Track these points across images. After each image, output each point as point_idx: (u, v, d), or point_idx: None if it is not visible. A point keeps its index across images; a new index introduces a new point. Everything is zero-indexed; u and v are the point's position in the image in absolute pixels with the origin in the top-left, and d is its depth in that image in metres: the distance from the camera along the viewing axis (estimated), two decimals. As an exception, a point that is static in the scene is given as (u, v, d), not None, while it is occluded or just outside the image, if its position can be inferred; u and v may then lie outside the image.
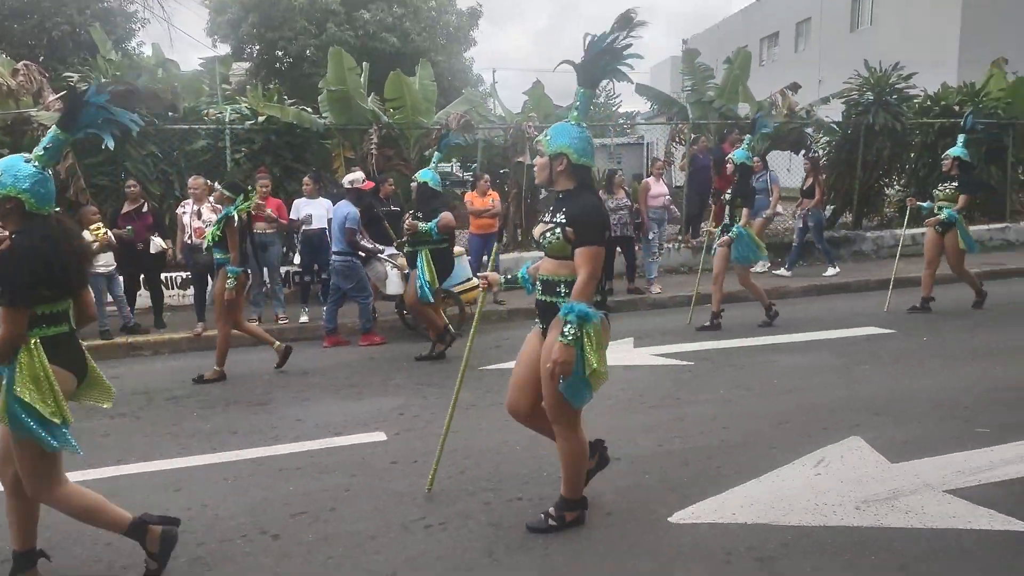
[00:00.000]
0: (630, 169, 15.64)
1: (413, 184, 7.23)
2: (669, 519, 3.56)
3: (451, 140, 7.56)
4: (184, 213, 8.14)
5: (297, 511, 3.82)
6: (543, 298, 3.39)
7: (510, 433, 4.79)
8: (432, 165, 7.07)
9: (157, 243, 8.30)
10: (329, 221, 8.68)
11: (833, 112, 13.26)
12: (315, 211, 8.53)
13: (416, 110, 11.31)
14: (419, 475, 4.21)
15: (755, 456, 4.25)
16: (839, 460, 4.13)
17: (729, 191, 7.71)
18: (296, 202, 8.74)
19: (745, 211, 7.56)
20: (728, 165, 7.91)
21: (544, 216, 3.44)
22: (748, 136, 7.97)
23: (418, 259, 6.85)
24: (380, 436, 4.87)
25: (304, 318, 8.39)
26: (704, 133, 12.49)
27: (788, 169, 14.15)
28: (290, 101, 11.06)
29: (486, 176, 9.67)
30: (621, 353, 6.82)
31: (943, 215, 7.86)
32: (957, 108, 13.03)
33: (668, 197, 9.74)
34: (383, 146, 10.98)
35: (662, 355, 6.65)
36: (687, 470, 4.10)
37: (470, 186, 9.63)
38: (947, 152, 8.36)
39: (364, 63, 11.91)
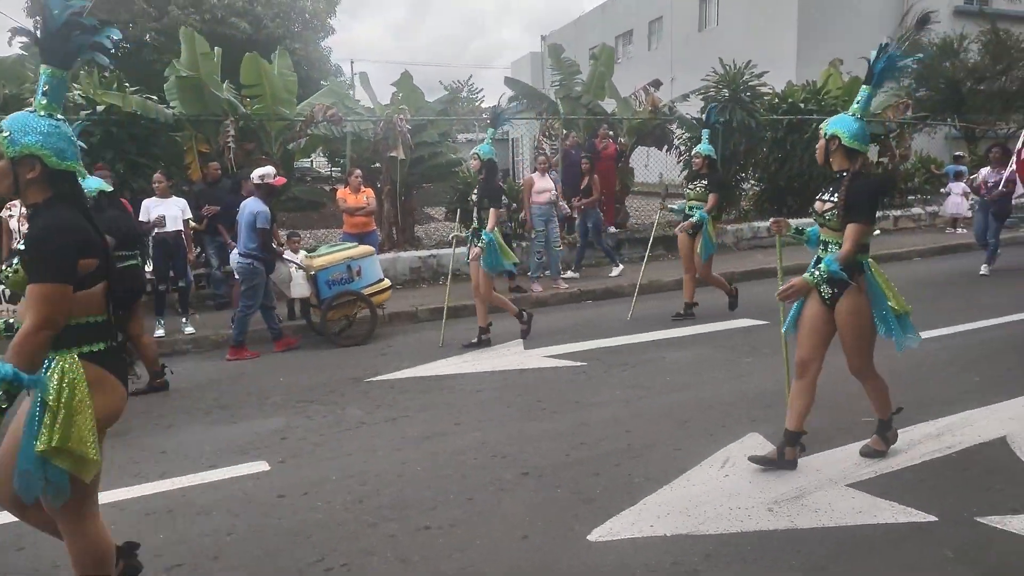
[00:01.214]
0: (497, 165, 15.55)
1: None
2: (588, 537, 3.40)
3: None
4: (11, 216, 7.10)
5: (172, 563, 3.33)
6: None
7: (409, 452, 4.50)
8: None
9: (-26, 252, 7.22)
10: (185, 222, 7.93)
11: (690, 109, 13.78)
12: (168, 211, 7.70)
13: (277, 100, 10.59)
14: (311, 509, 3.82)
15: (662, 460, 4.20)
16: (743, 459, 4.15)
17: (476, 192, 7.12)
18: (145, 203, 7.86)
19: (493, 212, 6.83)
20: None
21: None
22: (491, 130, 7.22)
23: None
24: (262, 466, 4.39)
25: (160, 331, 7.57)
26: (573, 128, 12.57)
27: (646, 165, 14.60)
28: (132, 89, 10.01)
29: (357, 171, 9.17)
30: (513, 356, 6.65)
31: (695, 217, 7.55)
32: (802, 105, 13.95)
33: (554, 193, 9.65)
34: (242, 140, 10.18)
35: (553, 356, 6.54)
36: (598, 480, 3.97)
37: (343, 183, 9.09)
38: (696, 149, 8.01)
39: (216, 48, 10.98)
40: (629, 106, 13.38)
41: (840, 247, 3.77)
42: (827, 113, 13.78)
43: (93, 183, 5.88)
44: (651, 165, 15.22)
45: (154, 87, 11.25)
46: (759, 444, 4.35)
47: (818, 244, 4.04)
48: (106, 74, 10.32)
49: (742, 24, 25.96)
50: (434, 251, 10.74)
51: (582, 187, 10.27)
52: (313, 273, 7.35)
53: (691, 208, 7.71)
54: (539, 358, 6.52)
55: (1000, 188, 9.22)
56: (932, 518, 3.45)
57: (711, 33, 28.47)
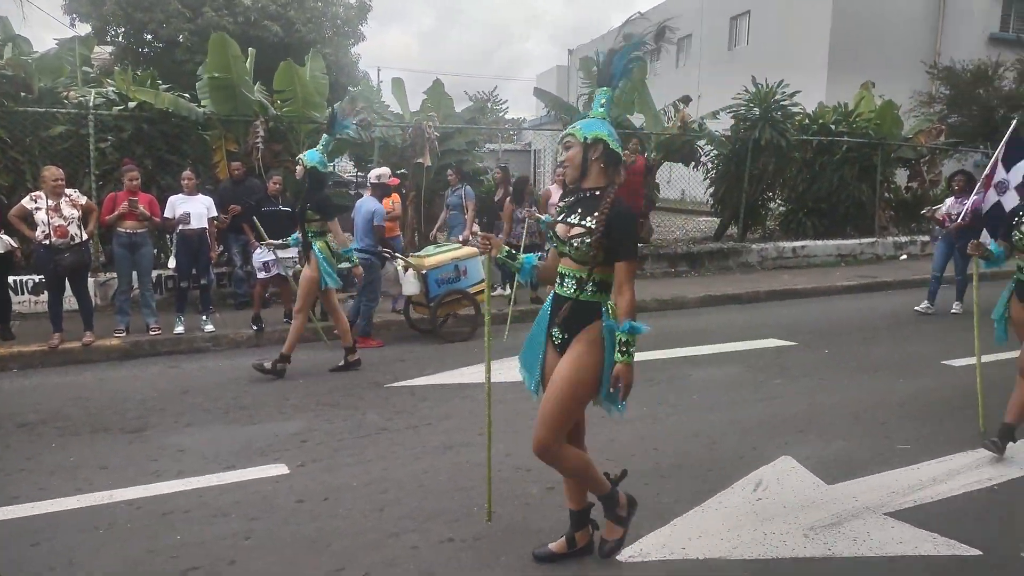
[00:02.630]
0: (517, 176, 15.49)
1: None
2: (617, 557, 3.28)
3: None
4: (38, 209, 7.06)
5: (188, 566, 3.24)
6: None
7: (430, 461, 4.39)
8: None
9: (5, 241, 7.22)
10: (210, 220, 7.91)
11: (719, 126, 13.65)
12: (193, 209, 7.69)
13: (307, 103, 10.58)
14: (331, 515, 3.72)
15: (692, 481, 4.06)
16: (776, 483, 4.02)
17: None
18: (171, 199, 7.84)
19: (332, 224, 6.32)
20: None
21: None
22: (325, 136, 6.56)
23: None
24: (281, 469, 4.31)
25: (180, 328, 7.54)
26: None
27: (668, 181, 14.45)
28: (165, 87, 10.06)
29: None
30: (534, 367, 6.53)
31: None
32: (833, 127, 13.80)
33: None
34: (270, 140, 10.19)
35: (577, 369, 6.41)
36: (626, 499, 3.84)
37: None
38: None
39: (251, 49, 11.02)
40: (659, 121, 13.28)
41: (581, 281, 2.97)
42: (858, 136, 13.68)
43: None
44: (673, 181, 15.10)
45: (185, 86, 11.29)
46: (792, 468, 4.21)
47: None
48: (138, 72, 10.40)
49: (773, 45, 25.81)
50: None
51: (496, 200, 10.00)
52: (424, 272, 7.56)
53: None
54: (563, 371, 6.39)
55: (961, 219, 7.74)
56: (976, 552, 3.30)
57: (740, 52, 28.35)
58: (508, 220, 9.13)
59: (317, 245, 6.32)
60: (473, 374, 6.33)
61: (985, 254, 4.59)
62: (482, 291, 7.88)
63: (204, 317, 7.72)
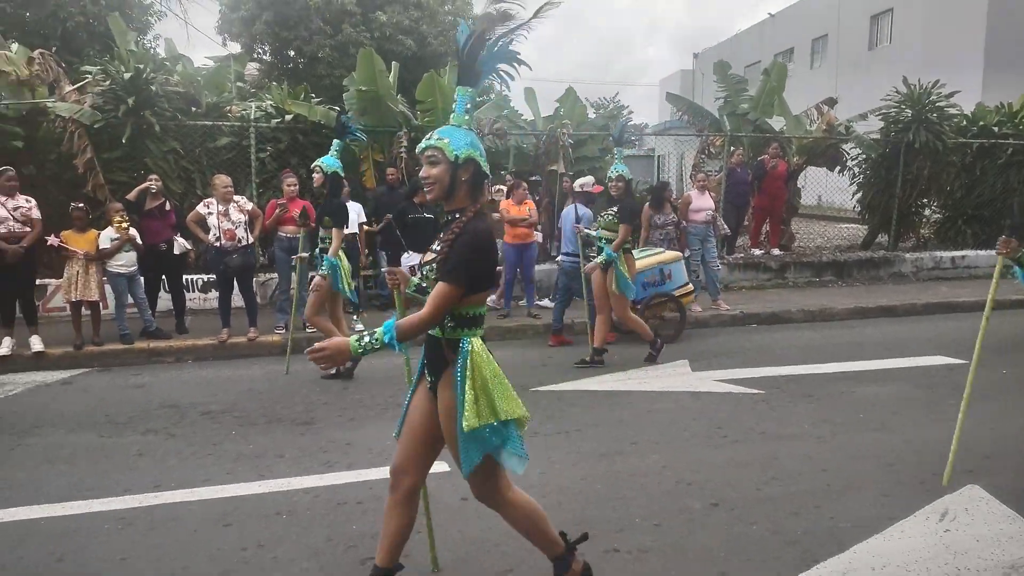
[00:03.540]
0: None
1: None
2: (794, 582, 3.14)
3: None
4: (210, 214, 7.63)
5: (366, 555, 3.38)
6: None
7: (587, 468, 4.38)
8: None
9: (181, 244, 7.89)
10: (360, 225, 8.30)
11: (864, 129, 12.90)
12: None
13: (446, 114, 10.83)
14: (494, 516, 3.75)
15: (869, 506, 3.83)
16: (965, 514, 3.72)
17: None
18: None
19: (336, 233, 6.18)
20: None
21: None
22: (336, 141, 6.48)
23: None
24: (442, 467, 4.38)
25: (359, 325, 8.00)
26: (739, 145, 12.11)
27: (802, 187, 13.75)
28: (316, 100, 10.66)
29: (524, 184, 9.25)
30: (680, 377, 6.42)
31: (602, 257, 6.60)
32: (996, 129, 12.72)
33: (711, 212, 9.30)
34: (412, 150, 10.57)
35: (725, 381, 6.23)
36: (798, 521, 3.67)
37: (505, 194, 9.21)
38: (613, 170, 6.66)
39: (394, 63, 11.50)
40: (800, 124, 12.74)
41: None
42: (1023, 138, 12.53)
43: None
44: (808, 186, 14.42)
45: (327, 99, 11.90)
46: (982, 498, 3.89)
47: None
48: (286, 87, 11.07)
49: (919, 43, 24.20)
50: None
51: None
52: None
53: (603, 241, 6.70)
54: (710, 382, 6.22)
55: None
56: None
57: (882, 52, 26.78)
58: (646, 227, 9.02)
59: (333, 257, 6.23)
60: (616, 381, 6.30)
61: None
62: (688, 293, 8.24)
63: (355, 317, 8.10)
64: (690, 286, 8.41)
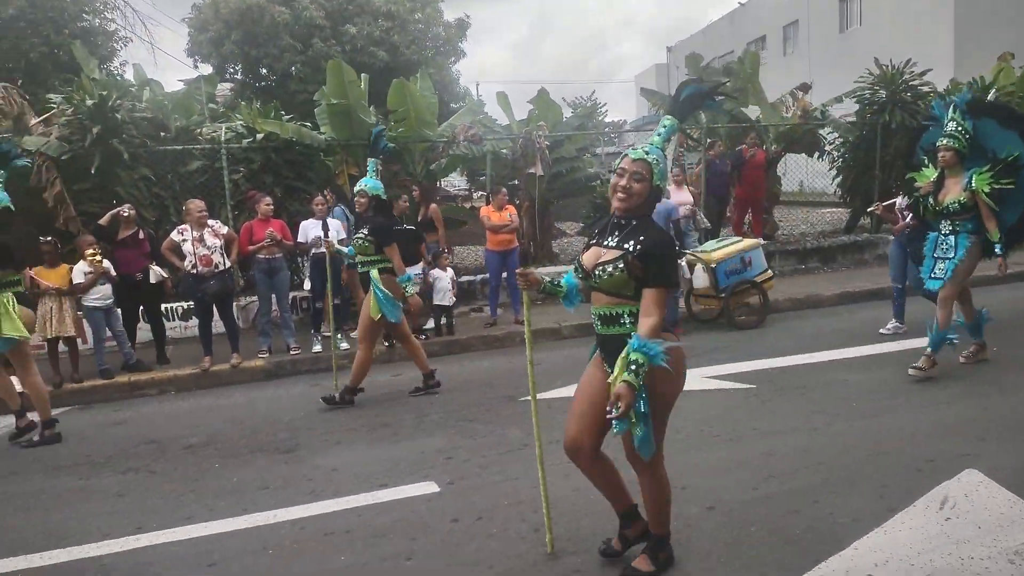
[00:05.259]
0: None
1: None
2: (797, 585, 3.06)
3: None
4: (184, 240, 7.45)
5: (355, 588, 3.28)
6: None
7: (578, 479, 4.25)
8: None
9: (156, 272, 7.72)
10: (340, 242, 8.15)
11: (840, 112, 12.89)
12: (322, 232, 7.97)
13: (421, 122, 10.80)
14: (487, 536, 3.68)
15: (868, 498, 3.76)
16: (965, 500, 3.65)
17: None
18: (303, 224, 8.19)
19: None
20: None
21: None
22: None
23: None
24: (431, 487, 4.32)
25: (317, 347, 7.82)
26: (717, 137, 12.07)
27: (784, 174, 13.72)
28: (287, 117, 10.52)
29: (503, 189, 9.17)
30: (670, 376, 6.32)
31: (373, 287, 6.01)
32: (971, 105, 12.71)
33: (690, 206, 9.26)
34: (387, 161, 10.45)
35: (717, 377, 6.16)
36: (797, 519, 3.59)
37: (485, 200, 9.12)
38: (361, 185, 6.14)
39: (364, 75, 11.39)
40: (776, 111, 12.71)
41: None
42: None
43: None
44: (789, 172, 14.40)
45: (300, 115, 11.78)
46: (980, 482, 3.82)
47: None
48: (257, 105, 10.92)
49: (889, 23, 24.30)
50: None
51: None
52: (713, 266, 7.95)
53: (362, 265, 6.17)
54: (700, 379, 6.13)
55: (910, 220, 6.72)
56: None
57: (854, 34, 26.88)
58: None
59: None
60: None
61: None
62: (769, 279, 8.32)
63: (339, 336, 7.97)
64: (770, 271, 8.54)
